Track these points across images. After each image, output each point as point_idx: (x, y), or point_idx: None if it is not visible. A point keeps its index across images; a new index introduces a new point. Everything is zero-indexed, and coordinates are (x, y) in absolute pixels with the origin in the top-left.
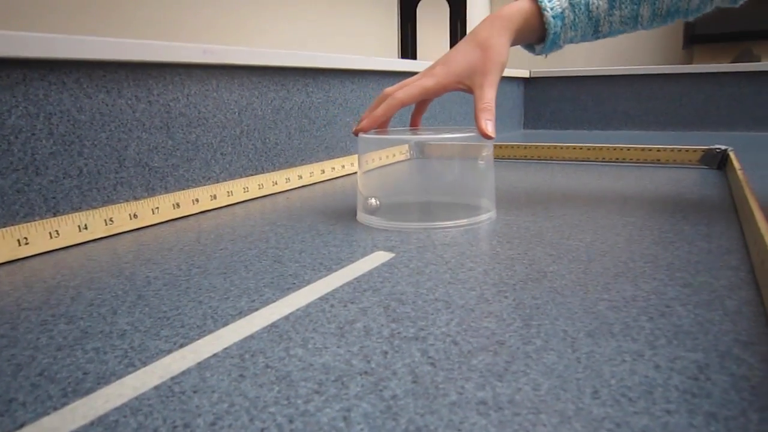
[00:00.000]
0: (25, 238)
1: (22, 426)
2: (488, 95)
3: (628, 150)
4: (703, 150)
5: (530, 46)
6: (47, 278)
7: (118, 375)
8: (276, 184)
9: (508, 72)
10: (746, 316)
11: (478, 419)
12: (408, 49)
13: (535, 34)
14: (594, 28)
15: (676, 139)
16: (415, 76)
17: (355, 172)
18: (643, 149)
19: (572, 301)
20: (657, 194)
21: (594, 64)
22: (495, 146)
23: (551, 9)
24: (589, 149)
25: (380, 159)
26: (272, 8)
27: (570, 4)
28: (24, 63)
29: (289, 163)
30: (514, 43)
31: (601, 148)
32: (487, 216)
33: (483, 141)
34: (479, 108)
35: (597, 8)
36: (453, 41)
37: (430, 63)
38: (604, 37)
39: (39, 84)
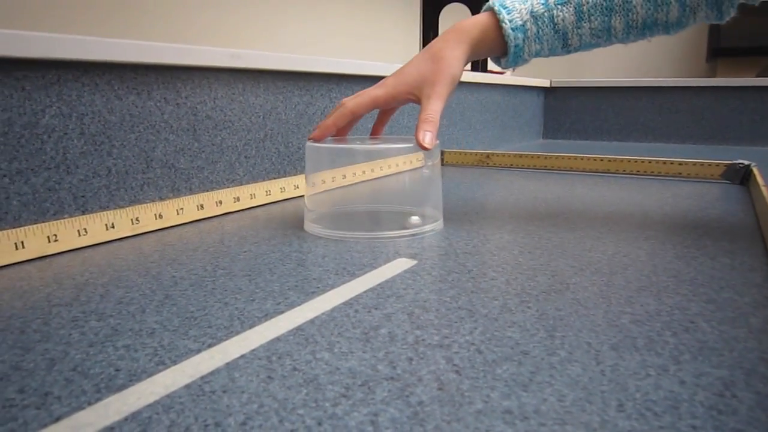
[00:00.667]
0: (55, 235)
1: (58, 419)
2: (433, 106)
3: (649, 163)
4: (726, 165)
5: (497, 59)
6: (76, 275)
7: (149, 373)
8: (297, 187)
9: (529, 81)
10: None
11: (504, 428)
12: None
13: (497, 47)
14: (563, 42)
15: (698, 152)
16: (370, 87)
17: (375, 179)
18: (664, 162)
19: (595, 313)
20: (678, 208)
21: (615, 75)
22: (515, 156)
23: (510, 21)
24: (609, 161)
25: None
26: (297, 13)
27: (532, 16)
28: (58, 64)
29: None
30: (472, 57)
31: (621, 160)
32: (432, 226)
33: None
34: (421, 118)
35: (563, 20)
36: None
37: None
38: (576, 50)
39: (72, 85)
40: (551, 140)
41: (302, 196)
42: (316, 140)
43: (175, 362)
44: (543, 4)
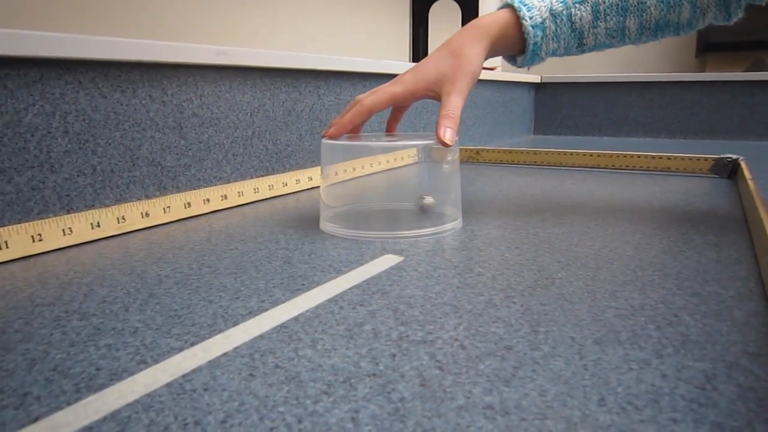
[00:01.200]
0: (39, 234)
1: (36, 420)
2: (453, 103)
3: (638, 158)
4: (714, 159)
5: (512, 58)
6: (60, 274)
7: (130, 372)
8: (286, 185)
9: (520, 77)
10: (754, 327)
11: (484, 423)
12: (419, 52)
13: (515, 45)
14: (578, 41)
15: (687, 147)
16: (386, 83)
17: (365, 175)
18: (653, 157)
19: (580, 308)
20: (666, 203)
21: (606, 71)
22: (504, 151)
23: (530, 18)
24: (599, 156)
25: (381, 163)
26: (285, 10)
27: (551, 14)
28: (41, 62)
29: (300, 165)
30: (491, 54)
31: (611, 156)
32: (451, 225)
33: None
34: (441, 114)
35: (580, 19)
36: None
37: None
38: (590, 50)
39: (56, 83)
40: (542, 136)
41: (291, 193)
42: (333, 138)
43: (156, 361)
44: (562, 2)
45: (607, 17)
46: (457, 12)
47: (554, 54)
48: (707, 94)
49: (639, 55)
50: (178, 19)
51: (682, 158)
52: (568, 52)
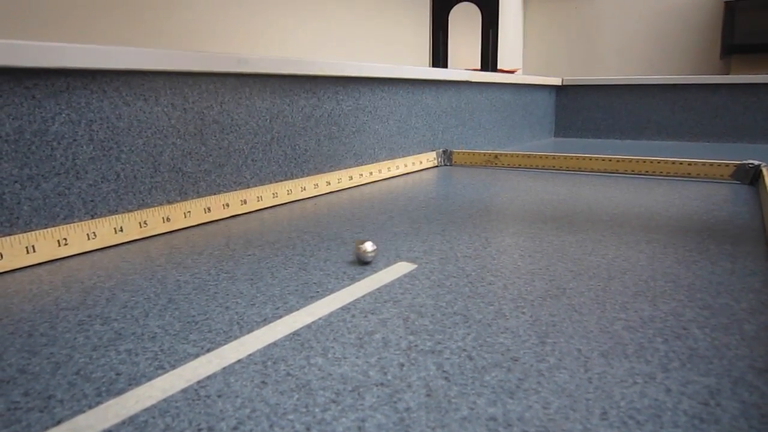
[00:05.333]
0: (65, 238)
1: (59, 422)
2: None
3: (658, 163)
4: (736, 165)
5: None
6: (84, 279)
7: (148, 377)
8: (304, 189)
9: (541, 80)
10: (763, 342)
11: None
12: (439, 57)
13: None
14: None
15: (711, 150)
16: None
17: (382, 179)
18: (673, 162)
19: (589, 319)
20: (685, 210)
21: (628, 73)
22: (523, 156)
23: None
24: (618, 161)
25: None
26: (305, 16)
27: None
28: (67, 72)
29: (318, 170)
30: None
31: (630, 161)
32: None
33: None
34: None
35: None
36: (485, 49)
37: (461, 71)
38: None
39: (81, 92)
40: (563, 138)
41: (310, 197)
42: None
43: (174, 366)
44: None
45: None
46: (477, 15)
47: None
48: (732, 97)
49: (662, 56)
50: (199, 26)
51: (703, 164)
52: None
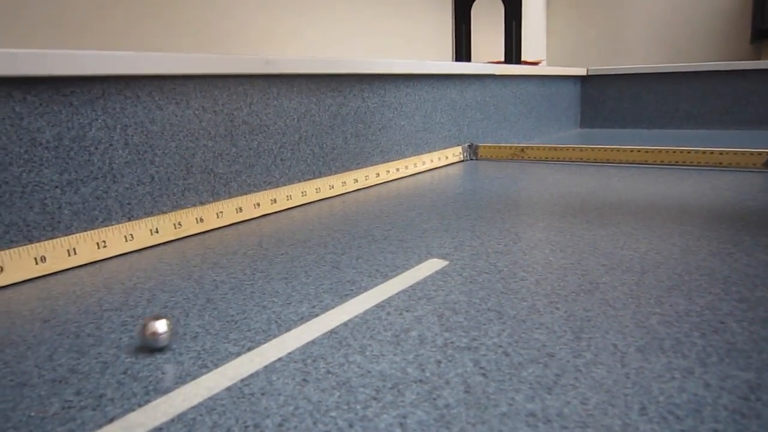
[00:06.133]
0: (104, 241)
1: (111, 420)
2: None
3: (688, 153)
4: None
5: None
6: (124, 280)
7: (193, 375)
8: (332, 187)
9: (565, 70)
10: None
11: (526, 431)
12: (462, 51)
13: None
14: None
15: (742, 139)
16: None
17: (409, 175)
18: (704, 152)
19: (624, 314)
20: (717, 201)
21: (654, 61)
22: (549, 148)
23: None
24: (647, 152)
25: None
26: (327, 14)
27: None
28: (103, 79)
29: (345, 167)
30: None
31: (659, 151)
32: None
33: None
34: None
35: None
36: (508, 42)
37: (485, 64)
38: None
39: (116, 98)
40: (589, 129)
41: (338, 195)
42: None
43: (216, 365)
44: None
45: None
46: (499, 8)
47: None
48: (763, 83)
49: (689, 42)
50: (217, 28)
51: (735, 153)
52: None
